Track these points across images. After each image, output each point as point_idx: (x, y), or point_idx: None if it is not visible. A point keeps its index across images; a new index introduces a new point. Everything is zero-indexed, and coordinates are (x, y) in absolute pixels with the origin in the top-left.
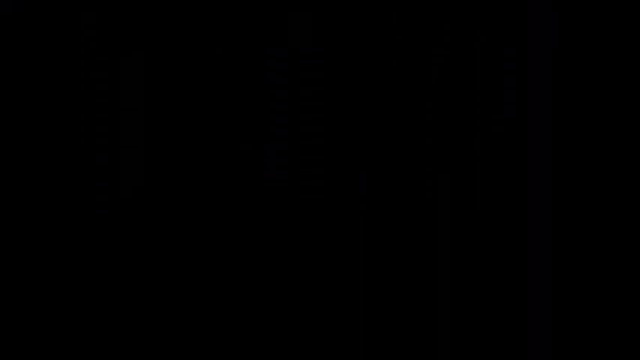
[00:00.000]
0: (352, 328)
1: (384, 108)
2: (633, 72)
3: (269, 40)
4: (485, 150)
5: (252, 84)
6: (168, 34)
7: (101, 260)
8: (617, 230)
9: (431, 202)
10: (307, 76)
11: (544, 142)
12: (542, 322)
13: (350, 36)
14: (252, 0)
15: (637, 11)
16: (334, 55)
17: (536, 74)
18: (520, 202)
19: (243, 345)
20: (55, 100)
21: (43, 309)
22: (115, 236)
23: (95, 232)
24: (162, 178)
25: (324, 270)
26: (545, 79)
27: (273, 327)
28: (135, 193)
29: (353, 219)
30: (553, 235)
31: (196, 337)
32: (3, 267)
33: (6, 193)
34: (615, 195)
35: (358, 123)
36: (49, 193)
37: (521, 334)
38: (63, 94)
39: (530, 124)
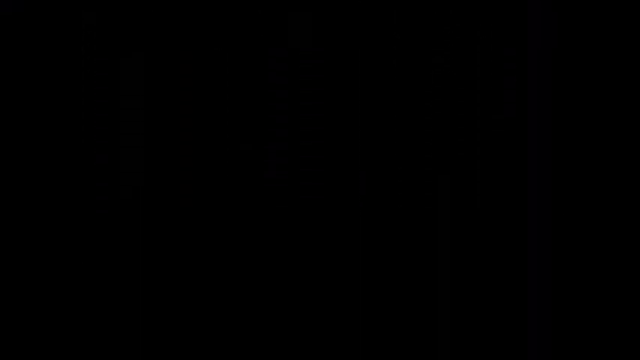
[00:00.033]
0: (352, 328)
1: (384, 108)
2: (633, 72)
3: (269, 40)
4: (485, 150)
5: (252, 84)
6: (168, 34)
7: (101, 260)
8: (617, 230)
9: (431, 202)
10: (307, 76)
11: (544, 142)
12: (542, 322)
13: (350, 36)
14: (252, 0)
15: (637, 11)
16: (334, 55)
17: (536, 74)
18: (520, 202)
19: (244, 345)
20: (55, 100)
21: (43, 309)
22: (115, 236)
23: (95, 232)
24: (162, 178)
25: (324, 270)
26: (545, 79)
27: (274, 327)
28: (135, 193)
29: (353, 219)
30: (553, 235)
31: (196, 337)
32: (3, 267)
33: (6, 193)
34: (615, 195)
35: (358, 123)
36: (49, 193)
37: (521, 334)
38: (63, 94)
39: (530, 124)
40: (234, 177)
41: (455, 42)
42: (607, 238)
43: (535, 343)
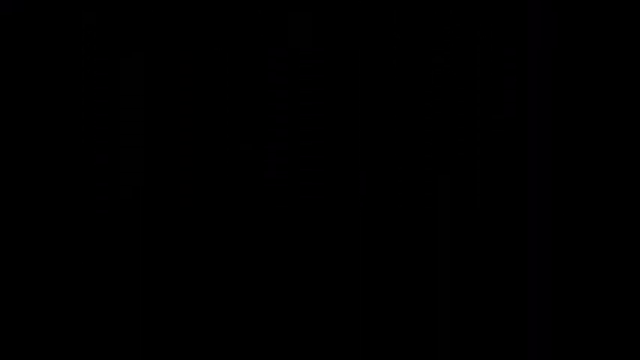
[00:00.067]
0: (352, 328)
1: (384, 108)
2: (633, 72)
3: (269, 40)
4: (485, 150)
5: (252, 84)
6: (168, 34)
7: (101, 260)
8: (617, 230)
9: (431, 202)
10: (307, 76)
11: (544, 142)
12: (542, 322)
13: (350, 36)
14: (252, 0)
15: (637, 11)
16: (334, 55)
17: (536, 74)
18: (520, 202)
19: (244, 345)
20: (55, 100)
21: (43, 309)
22: (115, 236)
23: (95, 232)
24: (162, 178)
25: (324, 270)
26: (545, 79)
27: (274, 327)
28: (135, 193)
29: (353, 219)
30: (553, 235)
31: (196, 337)
32: (3, 267)
33: (6, 193)
34: (615, 195)
35: (358, 123)
36: (49, 193)
37: (521, 334)
38: (63, 94)
39: (530, 124)
40: (234, 177)
41: (455, 42)
42: (607, 238)
43: (535, 343)
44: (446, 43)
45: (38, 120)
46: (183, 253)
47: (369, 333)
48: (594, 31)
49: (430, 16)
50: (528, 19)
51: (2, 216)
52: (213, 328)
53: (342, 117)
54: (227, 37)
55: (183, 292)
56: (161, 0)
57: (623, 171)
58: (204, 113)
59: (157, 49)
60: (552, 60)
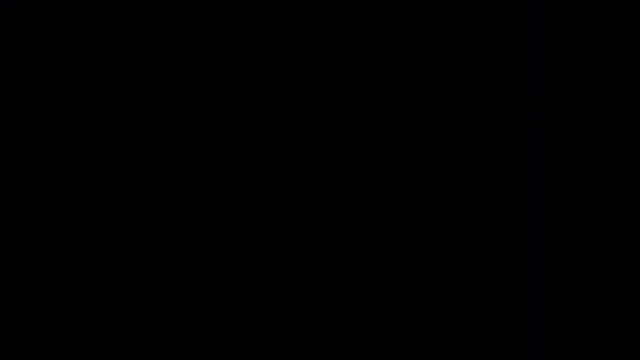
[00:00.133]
0: (352, 328)
1: (384, 108)
2: (633, 72)
3: (269, 40)
4: (485, 150)
5: (252, 84)
6: (168, 34)
7: (101, 260)
8: (617, 230)
9: (431, 202)
10: (307, 76)
11: (544, 142)
12: (542, 322)
13: (350, 36)
14: (252, 0)
15: (637, 11)
16: (334, 55)
17: (536, 74)
18: (520, 202)
19: (244, 345)
20: (55, 100)
21: (43, 309)
22: (115, 236)
23: (95, 232)
24: (162, 178)
25: (324, 270)
26: (545, 79)
27: (273, 327)
28: (135, 193)
29: (353, 219)
30: (553, 235)
31: (196, 337)
32: (3, 267)
33: (6, 193)
34: (615, 195)
35: (358, 123)
36: (49, 193)
37: (521, 334)
38: (63, 94)
39: (530, 124)
40: (234, 177)
41: (455, 42)
42: (607, 238)
43: (535, 343)
44: (446, 43)
45: (38, 120)
46: (183, 253)
47: (369, 333)
48: (594, 31)
49: (430, 16)
50: (528, 19)
51: (2, 216)
52: (213, 327)
53: (342, 117)
54: (227, 37)
55: (184, 292)
56: (161, 0)
57: (623, 171)
58: (204, 113)
59: (157, 49)
60: (552, 60)
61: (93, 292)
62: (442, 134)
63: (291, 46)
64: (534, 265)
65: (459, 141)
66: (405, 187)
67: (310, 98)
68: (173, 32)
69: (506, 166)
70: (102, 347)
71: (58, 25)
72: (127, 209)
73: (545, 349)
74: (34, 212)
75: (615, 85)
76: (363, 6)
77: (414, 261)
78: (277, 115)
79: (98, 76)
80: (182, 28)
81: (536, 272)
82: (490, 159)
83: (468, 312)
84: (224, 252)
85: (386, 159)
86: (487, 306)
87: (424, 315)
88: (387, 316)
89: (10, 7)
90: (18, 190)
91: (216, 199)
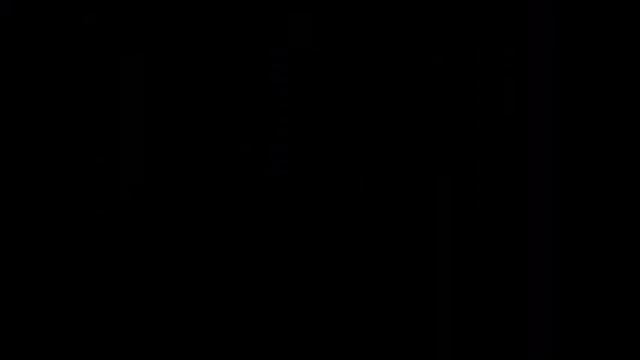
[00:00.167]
0: (352, 328)
1: (384, 108)
2: (633, 72)
3: (269, 40)
4: (485, 150)
5: (252, 84)
6: (168, 34)
7: (101, 260)
8: (617, 230)
9: (431, 202)
10: (307, 76)
11: (544, 142)
12: (542, 322)
13: (350, 36)
14: (252, 0)
15: (637, 11)
16: (334, 55)
17: (536, 74)
18: (520, 202)
19: (243, 345)
20: (55, 100)
21: (43, 309)
22: (115, 236)
23: (95, 232)
24: (162, 178)
25: (324, 270)
26: (545, 79)
27: (273, 327)
28: (135, 193)
29: (353, 219)
30: (553, 235)
31: (196, 336)
32: (3, 267)
33: (6, 193)
34: (615, 195)
35: (358, 123)
36: (49, 193)
37: (521, 334)
38: (63, 94)
39: (530, 124)
40: (234, 177)
41: (455, 42)
42: (607, 238)
43: (535, 343)
44: (446, 43)
45: (38, 120)
46: (183, 253)
47: (369, 333)
48: (594, 31)
49: (430, 16)
50: (528, 19)
51: (2, 216)
52: (213, 327)
53: (342, 117)
54: (227, 37)
55: (184, 292)
56: (161, 0)
57: (623, 171)
58: (204, 113)
59: (157, 49)
60: (552, 60)
61: (93, 292)
62: (442, 134)
63: (291, 46)
64: (534, 265)
65: (459, 141)
66: (405, 187)
67: (310, 98)
68: (173, 32)
69: (506, 166)
70: (102, 347)
71: (58, 25)
72: (127, 209)
73: (545, 349)
74: (34, 212)
75: (615, 85)
76: (363, 6)
77: (414, 261)
78: (277, 115)
79: (98, 76)
80: (182, 28)
81: (536, 272)
82: (490, 159)
83: (468, 312)
84: (224, 252)
85: (386, 159)
86: (487, 306)
87: (424, 315)
88: (387, 316)
89: (10, 7)
90: (18, 190)
91: (216, 199)
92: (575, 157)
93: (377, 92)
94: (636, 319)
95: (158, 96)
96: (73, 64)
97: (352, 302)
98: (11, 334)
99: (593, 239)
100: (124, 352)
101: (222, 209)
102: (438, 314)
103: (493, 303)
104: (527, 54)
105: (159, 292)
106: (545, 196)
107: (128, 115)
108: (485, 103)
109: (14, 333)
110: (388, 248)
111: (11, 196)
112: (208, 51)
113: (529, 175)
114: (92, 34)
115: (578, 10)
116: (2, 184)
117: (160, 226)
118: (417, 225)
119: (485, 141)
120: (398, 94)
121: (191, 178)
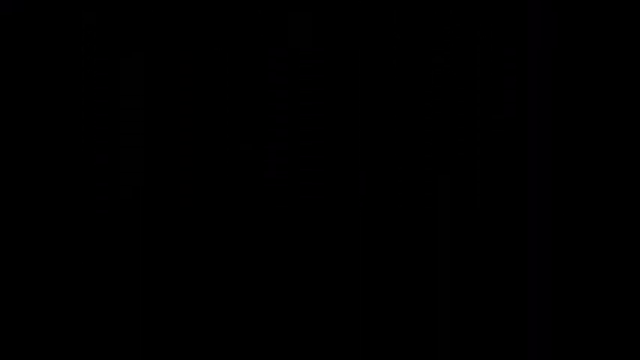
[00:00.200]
0: (352, 328)
1: (384, 108)
2: (633, 72)
3: (269, 40)
4: (485, 150)
5: (252, 84)
6: (168, 34)
7: (101, 260)
8: (617, 230)
9: (431, 202)
10: (307, 76)
11: (544, 142)
12: (542, 322)
13: (350, 36)
14: (252, 0)
15: (637, 11)
16: (334, 55)
17: (536, 74)
18: (520, 202)
19: (243, 345)
20: (55, 100)
21: (43, 309)
22: (115, 236)
23: (95, 232)
24: (162, 178)
25: (324, 270)
26: (545, 79)
27: (273, 327)
28: (135, 193)
29: (353, 219)
30: (553, 235)
31: (196, 337)
32: (3, 267)
33: (6, 193)
34: (615, 195)
35: (358, 123)
36: (49, 193)
37: (521, 334)
38: (63, 94)
39: (530, 124)
40: (234, 177)
41: (455, 42)
42: (607, 238)
43: (535, 343)
44: (446, 43)
45: (38, 120)
46: (183, 253)
47: (369, 333)
48: (594, 31)
49: (430, 16)
50: (528, 19)
51: (2, 216)
52: (213, 327)
53: (342, 117)
54: (227, 37)
55: (184, 292)
56: (161, 0)
57: (623, 171)
58: (204, 113)
59: (157, 49)
60: (552, 60)
61: (93, 291)
62: (442, 134)
63: (291, 46)
64: (534, 265)
65: (459, 141)
66: (405, 187)
67: (310, 98)
68: (173, 32)
69: (506, 166)
70: (102, 347)
71: (58, 25)
72: (127, 209)
73: (545, 349)
74: (34, 212)
75: (615, 85)
76: (363, 6)
77: (414, 261)
78: (277, 115)
79: (98, 76)
80: (182, 28)
81: (536, 272)
82: (490, 159)
83: (468, 312)
84: (224, 252)
85: (386, 159)
86: (487, 306)
87: (424, 315)
88: (387, 316)
89: (10, 7)
90: (18, 190)
91: (216, 199)
92: (575, 157)
93: (377, 92)
94: (636, 319)
95: (158, 96)
96: (73, 64)
97: (352, 302)
98: (11, 334)
99: (593, 239)
100: (124, 351)
101: (222, 209)
102: (438, 314)
103: (493, 303)
104: (527, 54)
105: (159, 291)
106: (545, 196)
107: (128, 115)
108: (485, 103)
109: (14, 333)
110: (388, 248)
111: (11, 196)
112: (208, 51)
113: (529, 175)
114: (92, 34)
115: (578, 10)
116: (2, 184)
117: (160, 226)
118: (417, 225)
119: (485, 141)
120: (398, 94)
121: (191, 178)
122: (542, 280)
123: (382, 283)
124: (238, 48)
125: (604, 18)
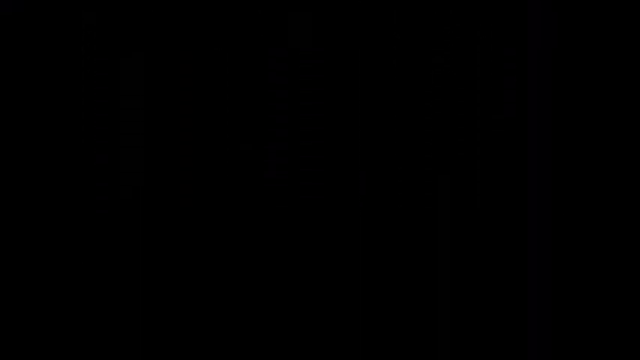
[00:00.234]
0: (352, 328)
1: (384, 108)
2: (633, 72)
3: (269, 40)
4: (485, 150)
5: (252, 84)
6: (168, 34)
7: (101, 260)
8: (617, 230)
9: (431, 202)
10: (307, 76)
11: (544, 142)
12: (542, 322)
13: (350, 36)
14: (252, 0)
15: (637, 11)
16: (334, 55)
17: (536, 74)
18: (520, 202)
19: (243, 345)
20: (55, 100)
21: (43, 309)
22: (115, 236)
23: (95, 232)
24: (162, 178)
25: (324, 270)
26: (545, 79)
27: (273, 327)
28: (135, 193)
29: (353, 219)
30: (553, 235)
31: (196, 337)
32: (3, 267)
33: (6, 193)
34: (615, 195)
35: (358, 123)
36: (49, 193)
37: (521, 334)
38: (63, 94)
39: (530, 124)
40: (234, 177)
41: (455, 42)
42: (607, 238)
43: (535, 343)
44: (446, 43)
45: (38, 120)
46: (183, 253)
47: (369, 333)
48: (594, 31)
49: (430, 16)
50: (528, 19)
51: (2, 216)
52: (213, 327)
53: (342, 117)
54: (227, 37)
55: (184, 292)
56: (161, 0)
57: (623, 171)
58: (204, 113)
59: (157, 49)
60: (552, 60)
61: (93, 291)
62: (442, 134)
63: (291, 46)
64: (534, 265)
65: (459, 141)
66: (405, 187)
67: (310, 98)
68: (173, 32)
69: (506, 166)
70: (102, 347)
71: (58, 25)
72: (127, 209)
73: (545, 349)
74: (34, 212)
75: (615, 85)
76: (363, 6)
77: (414, 261)
78: (277, 115)
79: (98, 76)
80: (182, 28)
81: (536, 272)
82: (490, 159)
83: (468, 312)
84: (224, 252)
85: (386, 159)
86: (487, 306)
87: (424, 315)
88: (387, 316)
89: (10, 7)
90: (18, 190)
91: (216, 199)
92: (575, 157)
93: (377, 92)
94: (636, 319)
95: (158, 96)
96: (73, 64)
97: (352, 302)
98: (11, 334)
99: (593, 239)
100: (124, 351)
101: (222, 209)
102: (438, 314)
103: (493, 303)
104: (527, 54)
105: (159, 291)
106: (545, 196)
107: (128, 115)
108: (485, 103)
109: (14, 333)
110: (388, 248)
111: (11, 196)
112: (208, 51)
113: (529, 175)
114: (92, 34)
115: (578, 10)
116: (2, 184)
117: (160, 226)
118: (417, 225)
119: (485, 141)
120: (398, 94)
121: (191, 178)
122: (542, 279)
123: (382, 283)
124: (238, 48)
125: (604, 18)
